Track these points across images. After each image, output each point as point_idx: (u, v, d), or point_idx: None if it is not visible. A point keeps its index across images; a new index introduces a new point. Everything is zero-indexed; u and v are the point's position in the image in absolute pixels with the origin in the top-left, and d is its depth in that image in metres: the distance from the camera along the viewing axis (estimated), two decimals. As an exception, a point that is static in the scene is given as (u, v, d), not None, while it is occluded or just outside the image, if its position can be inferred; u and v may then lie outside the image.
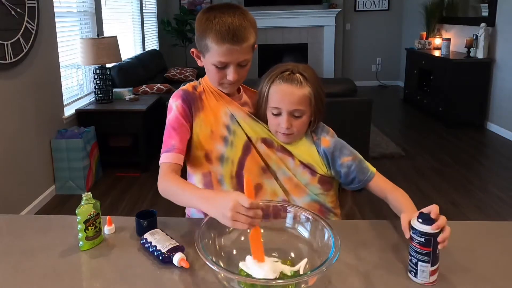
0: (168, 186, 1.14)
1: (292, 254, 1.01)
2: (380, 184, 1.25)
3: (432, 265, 0.93)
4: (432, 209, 0.96)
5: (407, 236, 0.98)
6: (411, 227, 0.96)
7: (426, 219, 0.94)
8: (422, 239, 0.93)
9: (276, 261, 0.97)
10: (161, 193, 1.16)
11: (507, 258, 1.05)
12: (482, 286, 0.95)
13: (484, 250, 1.08)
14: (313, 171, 1.26)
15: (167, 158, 1.18)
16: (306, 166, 1.26)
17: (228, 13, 1.15)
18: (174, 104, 1.25)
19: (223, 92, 1.26)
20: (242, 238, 1.03)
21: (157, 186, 1.16)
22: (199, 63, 1.27)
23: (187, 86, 1.29)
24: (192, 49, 1.27)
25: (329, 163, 1.26)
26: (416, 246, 0.94)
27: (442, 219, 0.95)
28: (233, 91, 1.28)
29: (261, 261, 0.93)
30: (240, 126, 1.25)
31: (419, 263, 0.94)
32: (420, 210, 0.99)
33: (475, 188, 3.29)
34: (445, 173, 3.60)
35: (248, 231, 0.95)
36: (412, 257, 0.95)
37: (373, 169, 1.26)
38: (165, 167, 1.17)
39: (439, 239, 0.93)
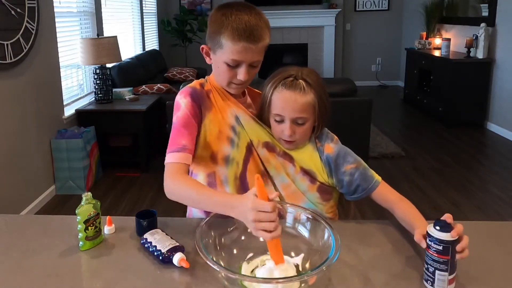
0: (180, 188, 1.09)
1: (293, 254, 1.01)
2: (385, 194, 1.20)
3: (450, 274, 0.91)
4: (446, 216, 0.93)
5: (424, 246, 0.94)
6: (428, 235, 0.92)
7: (444, 226, 0.90)
8: (440, 247, 0.90)
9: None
10: (167, 194, 1.11)
11: (507, 259, 1.05)
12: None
13: (484, 251, 1.08)
14: (313, 179, 1.24)
15: (177, 158, 1.13)
16: (306, 173, 1.24)
17: (245, 11, 1.14)
18: (183, 101, 1.20)
19: (229, 93, 1.25)
20: (243, 238, 1.03)
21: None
22: (208, 61, 1.24)
23: (195, 84, 1.26)
24: (203, 46, 1.23)
25: (331, 171, 1.23)
26: (434, 254, 0.91)
27: (460, 226, 0.91)
28: (239, 93, 1.26)
29: (281, 262, 0.93)
30: (244, 129, 1.23)
31: (437, 272, 0.91)
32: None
33: (475, 188, 3.29)
34: (445, 173, 3.60)
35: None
36: (429, 266, 0.92)
37: (378, 177, 1.22)
38: (175, 168, 1.12)
39: (458, 248, 0.90)
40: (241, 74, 1.17)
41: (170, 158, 1.14)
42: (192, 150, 1.17)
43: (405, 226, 1.14)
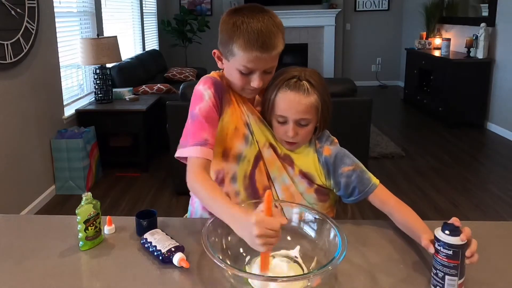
0: (199, 188, 1.09)
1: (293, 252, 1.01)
2: (383, 197, 1.19)
3: (459, 279, 0.89)
4: (454, 220, 0.92)
5: (432, 251, 0.93)
6: (436, 239, 0.90)
7: (453, 230, 0.88)
8: (450, 252, 0.88)
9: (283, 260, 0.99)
10: (190, 188, 1.12)
11: (507, 259, 1.05)
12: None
13: (485, 251, 1.07)
14: (310, 181, 1.23)
15: (200, 152, 1.11)
16: (305, 176, 1.23)
17: (257, 17, 1.10)
18: (207, 92, 1.17)
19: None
20: None
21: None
22: (220, 65, 1.23)
23: (215, 75, 1.23)
24: (214, 50, 1.21)
25: (329, 172, 1.23)
26: (443, 259, 0.89)
27: (468, 230, 0.90)
28: (253, 97, 1.24)
29: (266, 271, 0.93)
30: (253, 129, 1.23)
31: (447, 277, 0.89)
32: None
33: (475, 188, 3.29)
34: (445, 173, 3.60)
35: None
36: (438, 271, 0.90)
37: (375, 180, 1.20)
38: (197, 163, 1.10)
39: (467, 253, 0.89)
40: (255, 81, 1.15)
41: (194, 152, 1.11)
42: (213, 145, 1.15)
43: (405, 231, 1.13)
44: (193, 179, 1.10)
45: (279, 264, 0.97)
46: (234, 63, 1.15)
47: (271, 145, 1.24)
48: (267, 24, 1.11)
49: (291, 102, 1.17)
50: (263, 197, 1.20)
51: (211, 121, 1.15)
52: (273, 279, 0.88)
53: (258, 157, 1.23)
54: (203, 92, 1.17)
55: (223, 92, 1.20)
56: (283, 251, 1.00)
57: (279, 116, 1.19)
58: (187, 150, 1.13)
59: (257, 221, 0.88)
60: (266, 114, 1.24)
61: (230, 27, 1.12)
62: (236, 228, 0.95)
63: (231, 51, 1.13)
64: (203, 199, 1.10)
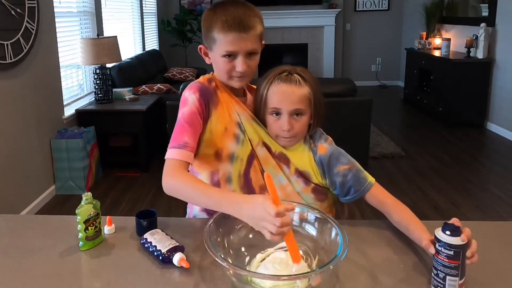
0: (178, 184, 1.09)
1: (300, 252, 1.01)
2: (379, 196, 1.18)
3: (460, 279, 0.89)
4: (454, 220, 0.92)
5: (433, 252, 0.92)
6: (437, 240, 0.90)
7: (453, 230, 0.88)
8: (451, 252, 0.88)
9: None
10: (166, 190, 1.11)
11: (507, 259, 1.05)
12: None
13: (485, 251, 1.07)
14: (307, 180, 1.23)
15: (178, 154, 1.12)
16: (301, 174, 1.23)
17: (232, 5, 1.17)
18: (191, 97, 1.19)
19: (232, 89, 1.25)
20: (251, 236, 1.03)
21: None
22: (207, 61, 1.25)
23: (203, 80, 1.25)
24: (200, 46, 1.25)
25: (324, 171, 1.22)
26: (444, 259, 0.89)
27: (468, 230, 0.90)
28: (242, 86, 1.25)
29: (298, 262, 0.93)
30: (246, 128, 1.23)
31: (448, 277, 0.89)
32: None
33: (475, 188, 3.29)
34: (445, 173, 3.60)
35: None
36: (438, 272, 0.90)
37: (371, 179, 1.20)
38: (174, 164, 1.12)
39: (468, 254, 0.89)
40: (239, 65, 1.17)
41: (171, 154, 1.13)
42: (194, 148, 1.16)
43: (402, 231, 1.13)
44: (171, 179, 1.10)
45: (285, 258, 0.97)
46: (217, 50, 1.18)
47: (265, 144, 1.24)
48: (243, 8, 1.17)
49: (284, 93, 1.19)
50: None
51: (192, 124, 1.17)
52: (275, 277, 0.88)
53: (252, 156, 1.23)
54: (188, 97, 1.20)
55: (210, 95, 1.21)
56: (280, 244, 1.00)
57: (273, 109, 1.20)
58: (167, 153, 1.14)
59: (264, 207, 0.91)
60: (259, 112, 1.24)
61: (210, 16, 1.18)
62: (237, 213, 0.98)
63: (212, 38, 1.17)
64: (187, 196, 1.10)
